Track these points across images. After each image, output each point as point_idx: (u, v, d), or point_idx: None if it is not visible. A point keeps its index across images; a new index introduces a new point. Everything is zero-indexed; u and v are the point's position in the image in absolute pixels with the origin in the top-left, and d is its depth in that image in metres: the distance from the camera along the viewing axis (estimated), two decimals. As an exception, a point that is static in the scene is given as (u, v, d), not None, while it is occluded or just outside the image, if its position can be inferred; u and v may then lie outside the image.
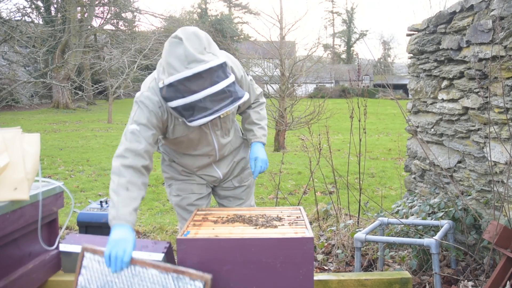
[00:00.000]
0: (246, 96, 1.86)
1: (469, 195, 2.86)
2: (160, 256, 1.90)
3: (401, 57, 46.86)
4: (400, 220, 2.89)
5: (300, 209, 2.02)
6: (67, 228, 4.06)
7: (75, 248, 2.00)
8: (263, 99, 2.35)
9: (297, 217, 1.90)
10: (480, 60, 2.67)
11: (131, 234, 1.66)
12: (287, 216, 1.93)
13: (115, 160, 1.82)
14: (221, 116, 2.03)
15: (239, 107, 2.21)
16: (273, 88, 10.73)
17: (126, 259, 1.58)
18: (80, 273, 1.65)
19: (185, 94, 1.73)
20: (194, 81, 1.71)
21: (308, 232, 1.67)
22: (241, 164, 2.32)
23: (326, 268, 3.00)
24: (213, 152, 2.15)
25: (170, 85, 1.75)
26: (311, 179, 4.34)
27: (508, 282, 2.21)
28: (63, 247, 2.02)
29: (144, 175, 1.86)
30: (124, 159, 1.81)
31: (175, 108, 1.79)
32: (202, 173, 2.24)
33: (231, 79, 1.79)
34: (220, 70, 1.75)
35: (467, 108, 2.90)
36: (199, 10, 38.09)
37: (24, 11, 14.91)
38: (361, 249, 2.69)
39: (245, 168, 2.35)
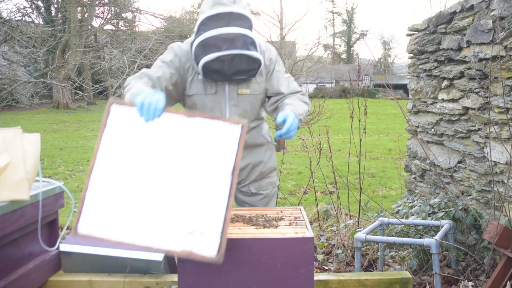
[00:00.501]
0: (257, 55, 1.90)
1: (469, 195, 2.86)
2: (160, 256, 1.90)
3: (401, 57, 46.87)
4: (400, 220, 2.89)
5: (300, 209, 2.02)
6: (67, 228, 4.06)
7: (75, 248, 2.00)
8: (307, 99, 2.14)
9: (297, 217, 1.90)
10: (481, 60, 2.67)
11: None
12: (287, 216, 1.93)
13: (129, 78, 1.93)
14: (239, 92, 2.03)
15: (268, 98, 2.13)
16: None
17: (160, 106, 1.54)
18: (104, 131, 1.54)
19: (203, 32, 1.87)
20: (215, 21, 1.85)
21: (308, 232, 1.67)
22: (259, 169, 2.21)
23: (326, 268, 3.00)
24: None
25: (198, 28, 1.92)
26: (311, 179, 4.34)
27: (508, 282, 2.21)
28: (63, 247, 2.03)
29: None
30: (138, 78, 1.91)
31: (195, 50, 1.90)
32: None
33: (249, 32, 1.88)
34: (242, 20, 1.87)
35: (467, 108, 2.90)
36: (199, 10, 38.05)
37: (25, 11, 14.90)
38: (361, 249, 2.69)
39: (265, 175, 2.24)
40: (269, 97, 2.15)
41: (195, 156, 1.52)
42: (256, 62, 1.95)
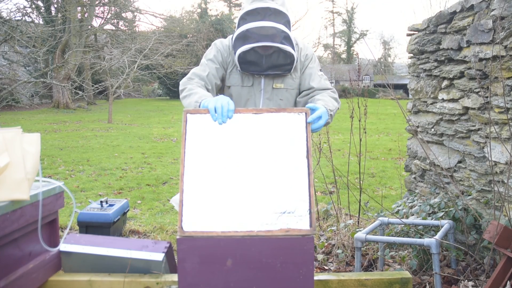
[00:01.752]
0: (289, 50, 1.97)
1: (469, 195, 2.86)
2: (160, 256, 1.90)
3: (401, 57, 46.90)
4: (401, 220, 2.89)
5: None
6: (69, 228, 4.06)
7: (75, 248, 2.00)
8: (337, 95, 2.17)
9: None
10: (481, 60, 2.67)
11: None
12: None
13: (183, 80, 2.09)
14: (274, 86, 2.12)
15: (300, 92, 2.19)
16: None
17: (231, 107, 1.75)
18: (186, 138, 1.72)
19: (243, 25, 1.97)
20: (252, 15, 1.95)
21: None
22: None
23: (326, 268, 3.00)
24: None
25: (238, 23, 2.02)
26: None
27: (508, 282, 2.21)
28: (63, 247, 2.02)
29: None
30: (190, 79, 2.08)
31: (234, 42, 2.03)
32: None
33: (285, 28, 1.96)
34: (278, 15, 1.96)
35: (467, 108, 2.90)
36: (199, 10, 38.04)
37: (25, 11, 14.91)
38: (361, 249, 2.69)
39: None
40: (301, 92, 2.22)
41: (272, 147, 1.71)
42: (290, 57, 2.03)
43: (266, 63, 2.04)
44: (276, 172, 1.68)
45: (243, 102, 2.16)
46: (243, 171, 1.68)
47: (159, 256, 1.89)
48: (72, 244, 2.03)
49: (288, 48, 1.97)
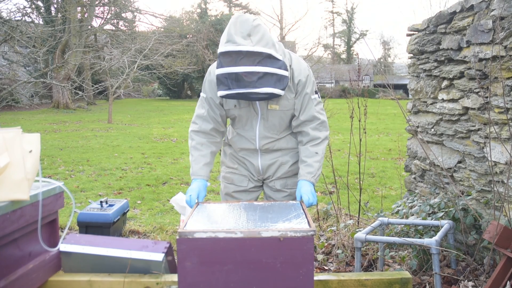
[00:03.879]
0: (265, 91, 1.95)
1: (469, 195, 2.86)
2: (160, 256, 1.90)
3: (401, 57, 46.93)
4: (401, 220, 2.89)
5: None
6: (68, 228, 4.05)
7: (75, 248, 2.00)
8: (322, 135, 2.23)
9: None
10: (480, 60, 2.67)
11: (200, 184, 2.17)
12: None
13: (190, 126, 2.29)
14: (269, 107, 2.17)
15: (294, 115, 2.24)
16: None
17: (193, 203, 2.08)
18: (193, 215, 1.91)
19: (218, 66, 1.99)
20: (224, 58, 1.94)
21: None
22: (286, 167, 2.31)
23: (326, 268, 3.00)
24: (254, 138, 2.25)
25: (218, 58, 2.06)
26: (311, 179, 4.33)
27: (508, 282, 2.21)
28: (63, 247, 2.02)
29: (213, 136, 2.26)
30: (194, 125, 2.27)
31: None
32: (244, 155, 2.34)
33: (260, 68, 1.92)
34: (250, 57, 1.90)
35: (467, 108, 2.90)
36: (199, 10, 38.03)
37: (24, 11, 14.90)
38: (361, 249, 2.69)
39: (291, 175, 2.33)
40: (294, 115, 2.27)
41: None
42: (279, 84, 2.01)
43: (233, 85, 2.01)
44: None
45: (243, 123, 2.26)
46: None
47: (158, 256, 1.89)
48: (72, 244, 2.03)
49: (263, 89, 1.94)
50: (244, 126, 2.26)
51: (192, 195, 2.10)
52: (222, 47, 1.95)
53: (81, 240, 2.01)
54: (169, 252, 1.96)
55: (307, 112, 2.20)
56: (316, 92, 2.24)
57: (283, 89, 2.01)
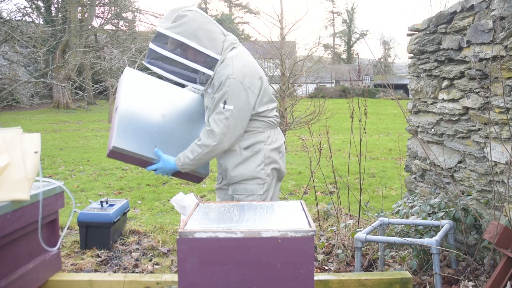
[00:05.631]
0: (156, 70, 2.21)
1: (469, 195, 2.86)
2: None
3: (401, 57, 46.88)
4: (401, 220, 2.89)
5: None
6: (67, 228, 4.05)
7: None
8: (205, 141, 2.18)
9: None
10: (481, 60, 2.67)
11: None
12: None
13: None
14: (205, 104, 2.37)
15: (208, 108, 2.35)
16: (274, 88, 10.72)
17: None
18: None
19: None
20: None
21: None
22: (228, 173, 2.31)
23: (326, 268, 3.00)
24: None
25: None
26: (312, 179, 4.33)
27: (508, 282, 2.21)
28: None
29: None
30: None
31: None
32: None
33: (159, 49, 2.18)
34: (162, 38, 2.18)
35: (467, 108, 2.90)
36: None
37: (25, 11, 14.89)
38: (362, 249, 2.69)
39: (238, 181, 2.30)
40: None
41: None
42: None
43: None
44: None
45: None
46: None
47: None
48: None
49: (154, 69, 2.21)
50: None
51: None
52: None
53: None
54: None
55: (209, 115, 2.27)
56: (225, 102, 2.15)
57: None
